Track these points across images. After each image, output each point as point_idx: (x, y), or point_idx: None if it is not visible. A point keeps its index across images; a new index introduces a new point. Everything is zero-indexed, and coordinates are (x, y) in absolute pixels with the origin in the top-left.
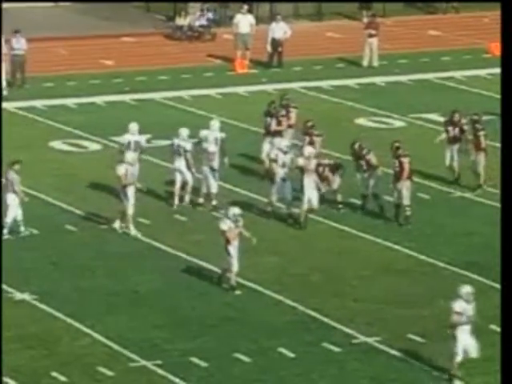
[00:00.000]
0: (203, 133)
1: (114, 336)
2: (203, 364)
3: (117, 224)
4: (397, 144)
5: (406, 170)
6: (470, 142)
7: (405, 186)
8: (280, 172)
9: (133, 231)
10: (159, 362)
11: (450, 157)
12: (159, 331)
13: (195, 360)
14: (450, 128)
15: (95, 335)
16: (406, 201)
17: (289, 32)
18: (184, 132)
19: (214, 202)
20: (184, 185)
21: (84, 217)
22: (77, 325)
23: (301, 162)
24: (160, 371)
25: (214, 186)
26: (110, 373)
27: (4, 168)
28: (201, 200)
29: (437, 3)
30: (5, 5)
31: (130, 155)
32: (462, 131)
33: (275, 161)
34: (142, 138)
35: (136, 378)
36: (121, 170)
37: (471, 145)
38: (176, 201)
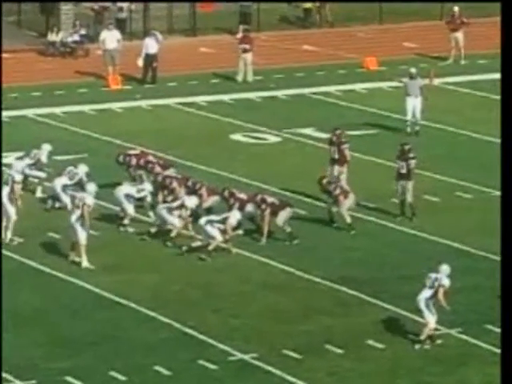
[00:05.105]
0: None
1: None
2: (78, 383)
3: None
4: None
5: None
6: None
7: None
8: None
9: (84, 262)
10: (34, 381)
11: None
12: (36, 350)
13: (70, 379)
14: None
15: None
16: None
17: (158, 45)
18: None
19: (126, 221)
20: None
21: None
22: None
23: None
24: None
25: (130, 208)
26: None
27: None
28: (126, 221)
29: (311, 18)
30: None
31: (92, 187)
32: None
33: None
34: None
35: None
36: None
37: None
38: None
